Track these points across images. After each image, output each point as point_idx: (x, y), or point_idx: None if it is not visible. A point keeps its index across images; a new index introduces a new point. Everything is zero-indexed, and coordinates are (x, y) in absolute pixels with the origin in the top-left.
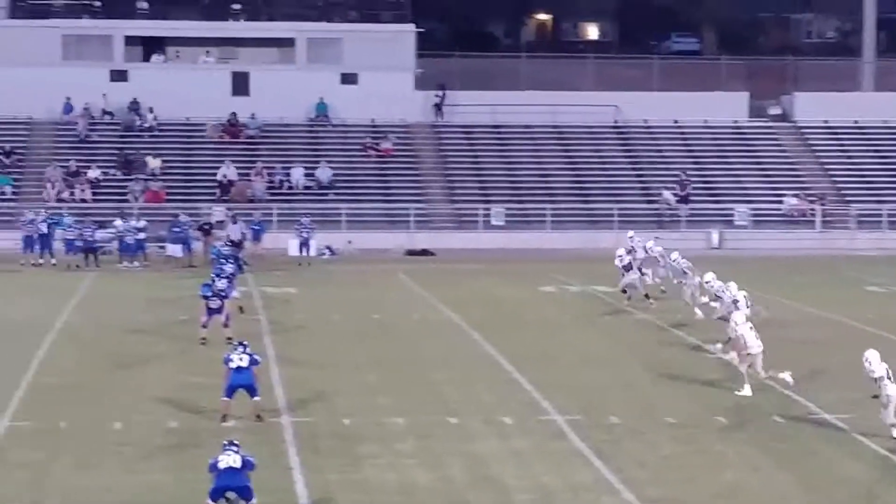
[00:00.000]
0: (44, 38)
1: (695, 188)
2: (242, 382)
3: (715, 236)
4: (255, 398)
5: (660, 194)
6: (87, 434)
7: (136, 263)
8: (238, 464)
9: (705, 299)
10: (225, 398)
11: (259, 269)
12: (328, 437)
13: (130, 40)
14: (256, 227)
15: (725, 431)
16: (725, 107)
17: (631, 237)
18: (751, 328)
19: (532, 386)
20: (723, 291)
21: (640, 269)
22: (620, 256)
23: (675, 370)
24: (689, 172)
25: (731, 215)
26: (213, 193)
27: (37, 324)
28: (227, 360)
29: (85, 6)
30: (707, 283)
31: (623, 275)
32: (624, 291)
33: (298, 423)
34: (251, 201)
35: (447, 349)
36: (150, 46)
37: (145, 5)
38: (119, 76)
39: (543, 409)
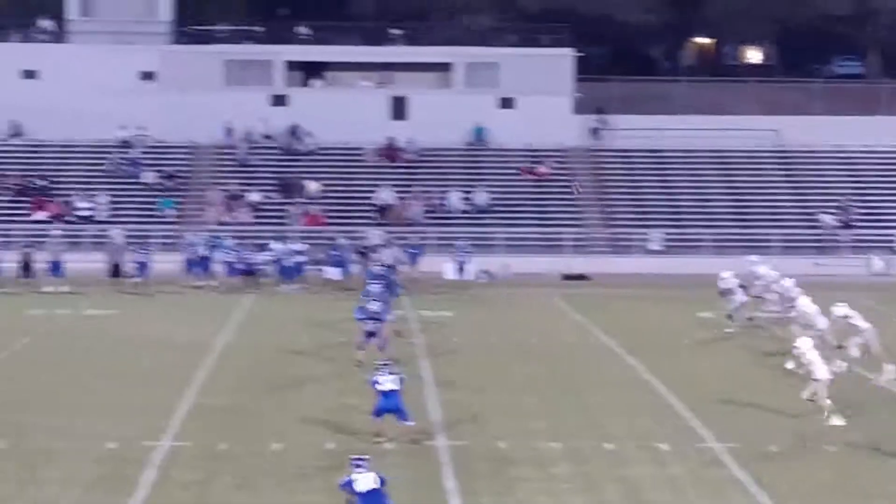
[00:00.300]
0: (207, 64)
1: (857, 213)
2: (391, 407)
3: (876, 262)
4: (406, 422)
5: (820, 219)
6: (246, 455)
7: (294, 286)
8: (378, 483)
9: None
10: (374, 417)
11: (415, 293)
12: (483, 460)
13: (291, 65)
14: (413, 251)
15: (886, 460)
16: (888, 130)
17: (753, 261)
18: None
19: (689, 412)
20: (818, 316)
21: (741, 288)
22: (724, 279)
23: (835, 398)
24: (851, 197)
25: (894, 241)
26: (371, 217)
27: (197, 345)
28: (375, 383)
29: (247, 32)
30: (801, 308)
31: (728, 298)
32: (750, 318)
33: (453, 445)
34: (408, 225)
35: (603, 374)
36: (310, 71)
37: (306, 31)
38: (279, 101)
39: (700, 436)
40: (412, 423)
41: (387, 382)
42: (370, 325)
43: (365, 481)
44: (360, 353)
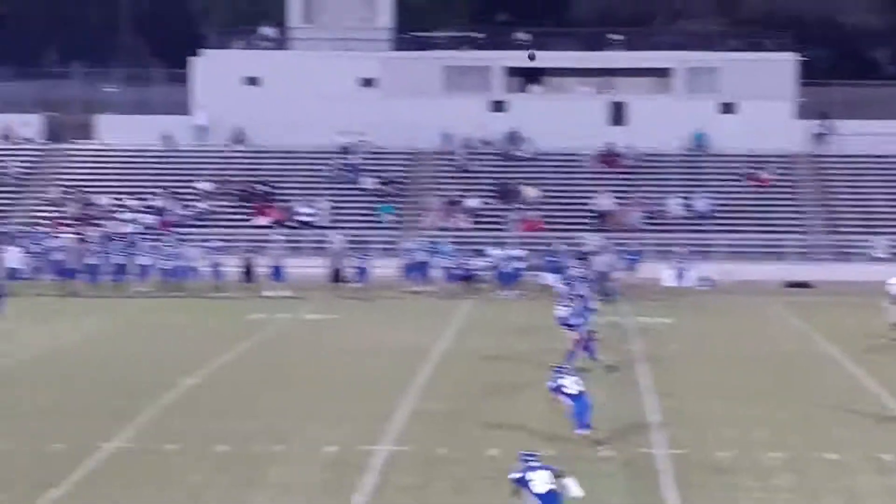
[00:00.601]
0: (426, 70)
1: None
2: (583, 410)
3: None
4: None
5: None
6: (463, 460)
7: (512, 292)
8: (553, 481)
9: None
10: (581, 431)
11: (634, 299)
12: (702, 469)
13: (510, 71)
14: (632, 257)
15: None
16: None
17: None
18: None
19: None
20: None
21: None
22: (893, 285)
23: None
24: None
25: None
26: (589, 222)
27: (416, 350)
28: (560, 388)
29: (466, 38)
30: None
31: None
32: None
33: (672, 454)
34: (627, 231)
35: (825, 383)
36: (529, 77)
37: (525, 37)
38: (498, 106)
39: None
40: (588, 431)
41: (573, 385)
42: (572, 332)
43: (541, 480)
44: (575, 358)
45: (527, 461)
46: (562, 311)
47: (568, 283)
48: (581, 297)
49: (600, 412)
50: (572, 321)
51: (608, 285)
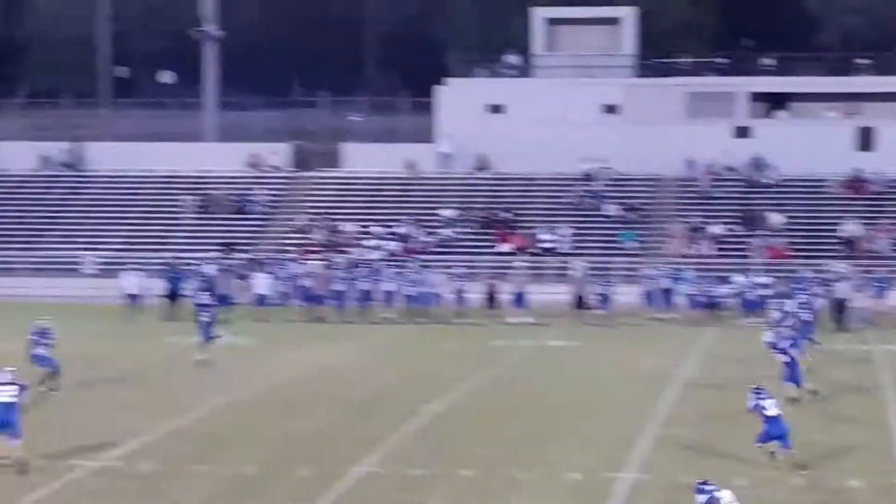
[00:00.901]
0: (669, 96)
1: None
2: (779, 433)
3: None
4: (788, 450)
5: None
6: None
7: (757, 319)
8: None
9: None
10: (760, 444)
11: (882, 327)
12: None
13: (754, 97)
14: (880, 284)
15: None
16: None
17: None
18: None
19: None
20: None
21: None
22: None
23: None
24: None
25: None
26: (836, 249)
27: (659, 377)
28: (761, 408)
29: (710, 64)
30: None
31: None
32: None
33: None
34: (875, 258)
35: None
36: (774, 102)
37: (770, 62)
38: (742, 132)
39: None
40: (792, 452)
41: (772, 407)
42: (781, 356)
43: (727, 500)
44: (791, 388)
45: (705, 489)
46: (769, 335)
47: (787, 309)
48: (805, 322)
49: (846, 441)
50: (780, 345)
51: (849, 313)
